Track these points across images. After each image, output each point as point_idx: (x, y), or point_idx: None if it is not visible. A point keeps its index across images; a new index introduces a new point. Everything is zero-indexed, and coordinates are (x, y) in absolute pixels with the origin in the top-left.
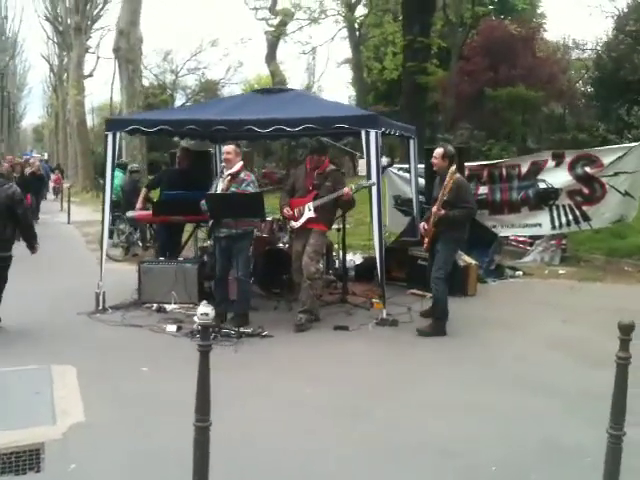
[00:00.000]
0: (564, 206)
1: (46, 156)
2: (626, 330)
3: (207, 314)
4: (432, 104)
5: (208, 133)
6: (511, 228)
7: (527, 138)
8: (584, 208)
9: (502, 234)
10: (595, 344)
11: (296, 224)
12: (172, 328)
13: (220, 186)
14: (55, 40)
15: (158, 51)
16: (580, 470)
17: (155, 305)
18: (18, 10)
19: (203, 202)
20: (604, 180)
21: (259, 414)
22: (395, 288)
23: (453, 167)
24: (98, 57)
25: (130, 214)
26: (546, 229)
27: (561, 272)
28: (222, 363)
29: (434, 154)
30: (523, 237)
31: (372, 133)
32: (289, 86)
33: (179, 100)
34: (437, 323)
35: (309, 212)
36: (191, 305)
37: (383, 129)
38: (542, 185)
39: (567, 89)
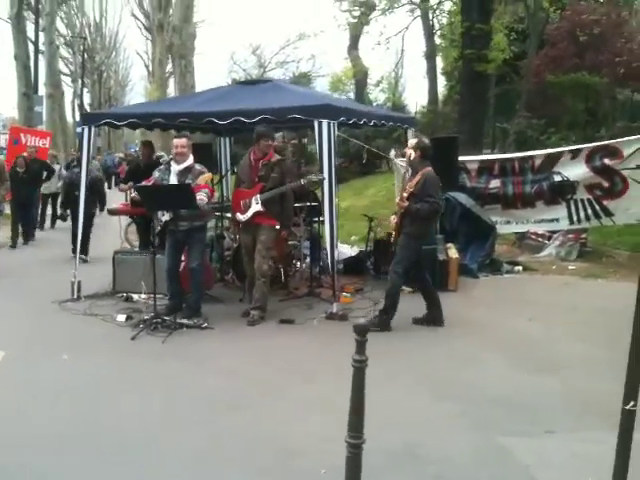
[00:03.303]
0: (583, 200)
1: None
2: (361, 332)
3: None
4: (504, 91)
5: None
6: (526, 224)
7: (589, 127)
8: (605, 202)
9: (516, 230)
10: (549, 346)
11: (243, 217)
12: (121, 318)
13: (173, 180)
14: (147, 37)
15: (247, 46)
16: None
17: (124, 295)
18: (118, 8)
19: (134, 194)
20: (625, 173)
21: (135, 402)
22: (382, 282)
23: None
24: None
25: (112, 207)
26: (564, 224)
27: (571, 267)
28: (142, 352)
29: (408, 145)
30: (542, 231)
31: (324, 123)
32: (371, 77)
33: None
34: (382, 317)
35: (256, 205)
36: (160, 296)
37: (342, 119)
38: (557, 178)
39: None
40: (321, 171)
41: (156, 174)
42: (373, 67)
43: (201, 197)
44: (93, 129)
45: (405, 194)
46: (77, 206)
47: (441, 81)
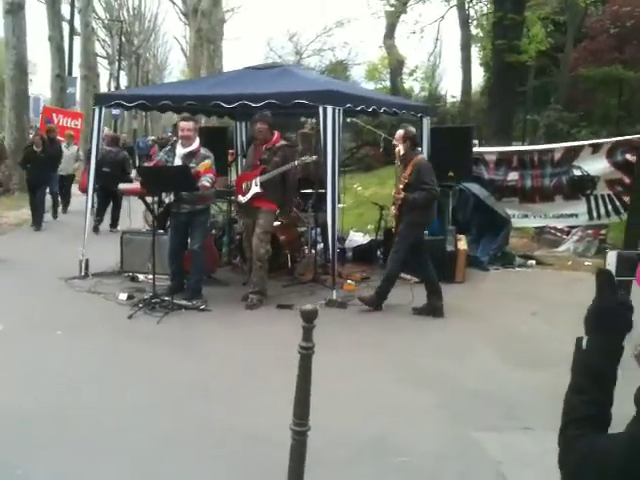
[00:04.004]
0: (603, 196)
1: None
2: (309, 317)
3: None
4: (543, 83)
5: (227, 110)
6: (544, 218)
7: (623, 122)
8: (625, 199)
9: (534, 224)
10: (545, 342)
11: (243, 199)
12: (123, 297)
13: (177, 163)
14: (185, 22)
15: (285, 33)
16: (381, 468)
17: (130, 275)
18: None
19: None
20: None
21: (114, 382)
22: None
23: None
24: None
25: (122, 186)
26: (582, 220)
27: (587, 264)
28: (134, 332)
29: (395, 136)
30: (561, 225)
31: (329, 109)
32: (409, 66)
33: None
34: (376, 296)
35: (255, 187)
36: (164, 276)
37: (349, 105)
38: (577, 172)
39: None
40: (325, 155)
41: (161, 154)
42: (410, 56)
43: (204, 182)
44: (126, 110)
45: (401, 185)
46: (105, 181)
47: (480, 72)
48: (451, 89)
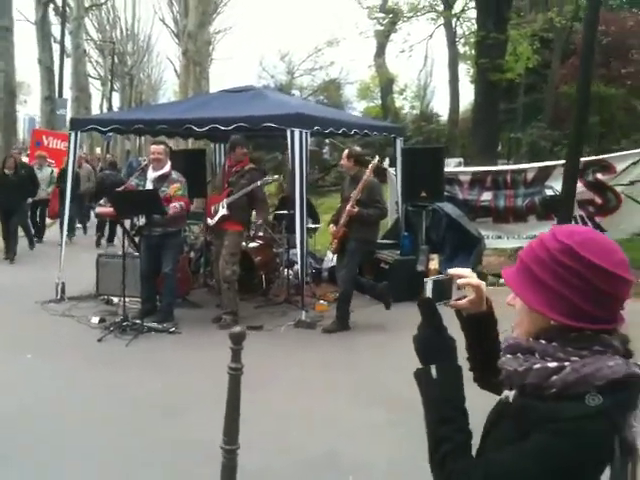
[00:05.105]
0: (575, 217)
1: None
2: (237, 339)
3: None
4: (533, 100)
5: (204, 132)
6: (517, 239)
7: (604, 139)
8: (597, 219)
9: (508, 245)
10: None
11: (211, 222)
12: (95, 320)
13: (148, 187)
14: (177, 43)
15: (276, 53)
16: None
17: (105, 298)
18: (151, 12)
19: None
20: (619, 189)
21: (74, 403)
22: None
23: (373, 168)
24: (211, 59)
25: (97, 209)
26: None
27: None
28: (102, 354)
29: (342, 156)
30: None
31: (296, 132)
32: (398, 83)
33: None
34: (339, 320)
35: (223, 210)
36: (138, 299)
37: (317, 128)
38: (549, 192)
39: None
40: (292, 180)
41: (132, 179)
42: (402, 75)
43: (174, 206)
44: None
45: (352, 202)
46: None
47: (471, 89)
48: (442, 107)
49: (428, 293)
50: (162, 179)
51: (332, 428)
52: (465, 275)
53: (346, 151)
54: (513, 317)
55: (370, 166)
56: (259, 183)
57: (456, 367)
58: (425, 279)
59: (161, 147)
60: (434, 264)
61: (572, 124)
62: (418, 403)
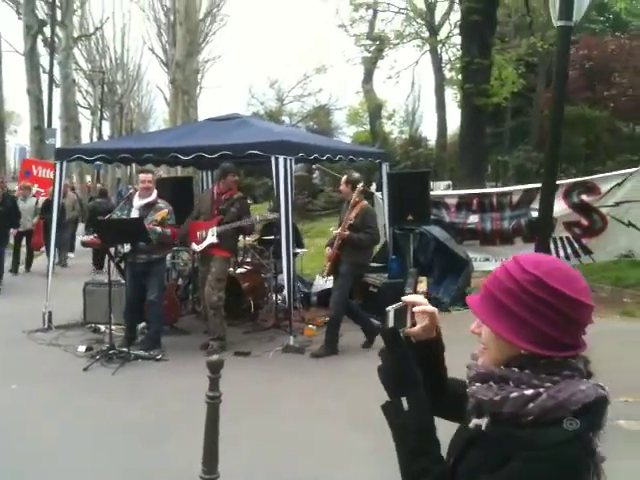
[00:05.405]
0: (562, 238)
1: None
2: (214, 367)
3: None
4: (520, 123)
5: (191, 160)
6: (505, 261)
7: (590, 160)
8: (584, 241)
9: (495, 268)
10: None
11: (198, 247)
12: (82, 349)
13: (134, 214)
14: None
15: (265, 80)
16: None
17: (92, 326)
18: (140, 42)
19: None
20: (604, 211)
21: (57, 433)
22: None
23: (359, 192)
24: (201, 87)
25: (82, 238)
26: None
27: None
28: (88, 383)
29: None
30: None
31: (280, 159)
32: (388, 109)
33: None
34: (327, 344)
35: (212, 237)
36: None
37: (301, 154)
38: (535, 214)
39: None
40: (278, 206)
41: (115, 212)
42: (390, 100)
43: (164, 231)
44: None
45: (346, 225)
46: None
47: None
48: (431, 131)
49: (390, 322)
50: (148, 207)
51: (319, 454)
52: (420, 302)
53: (344, 177)
54: (476, 345)
55: (356, 191)
56: (258, 219)
57: (425, 396)
58: (387, 308)
59: (150, 175)
60: (422, 287)
61: (547, 147)
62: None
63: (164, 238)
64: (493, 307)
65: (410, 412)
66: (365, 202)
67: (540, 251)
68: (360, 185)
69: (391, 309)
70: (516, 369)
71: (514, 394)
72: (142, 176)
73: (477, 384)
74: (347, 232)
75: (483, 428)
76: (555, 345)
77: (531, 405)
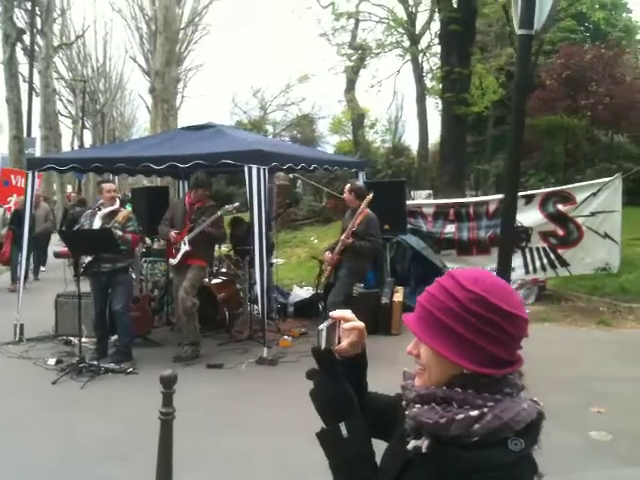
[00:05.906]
0: (538, 249)
1: None
2: (167, 383)
3: None
4: (502, 132)
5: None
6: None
7: (569, 169)
8: (560, 252)
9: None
10: None
11: (174, 261)
12: (52, 361)
13: (98, 223)
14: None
15: (249, 89)
16: None
17: (64, 338)
18: (122, 51)
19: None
20: (580, 221)
21: (21, 449)
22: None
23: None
24: (183, 96)
25: (55, 249)
26: (519, 274)
27: (527, 311)
28: (56, 397)
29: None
30: None
31: (254, 168)
32: (370, 117)
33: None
34: None
35: (184, 246)
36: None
37: (275, 164)
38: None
39: None
40: (251, 213)
41: (82, 220)
42: (373, 109)
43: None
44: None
45: (349, 232)
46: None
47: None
48: (414, 140)
49: (323, 342)
50: (111, 215)
51: (292, 469)
52: (349, 318)
53: (348, 185)
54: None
55: (365, 201)
56: (219, 213)
57: (362, 421)
58: (319, 327)
59: (113, 185)
60: (399, 297)
61: (507, 158)
62: (384, 443)
63: (124, 242)
64: (433, 327)
65: (350, 439)
66: (369, 210)
67: (502, 265)
68: (370, 195)
69: (324, 327)
70: (459, 389)
71: (460, 416)
72: (107, 186)
73: (417, 406)
74: (350, 239)
75: (424, 450)
76: (497, 363)
77: (477, 426)
